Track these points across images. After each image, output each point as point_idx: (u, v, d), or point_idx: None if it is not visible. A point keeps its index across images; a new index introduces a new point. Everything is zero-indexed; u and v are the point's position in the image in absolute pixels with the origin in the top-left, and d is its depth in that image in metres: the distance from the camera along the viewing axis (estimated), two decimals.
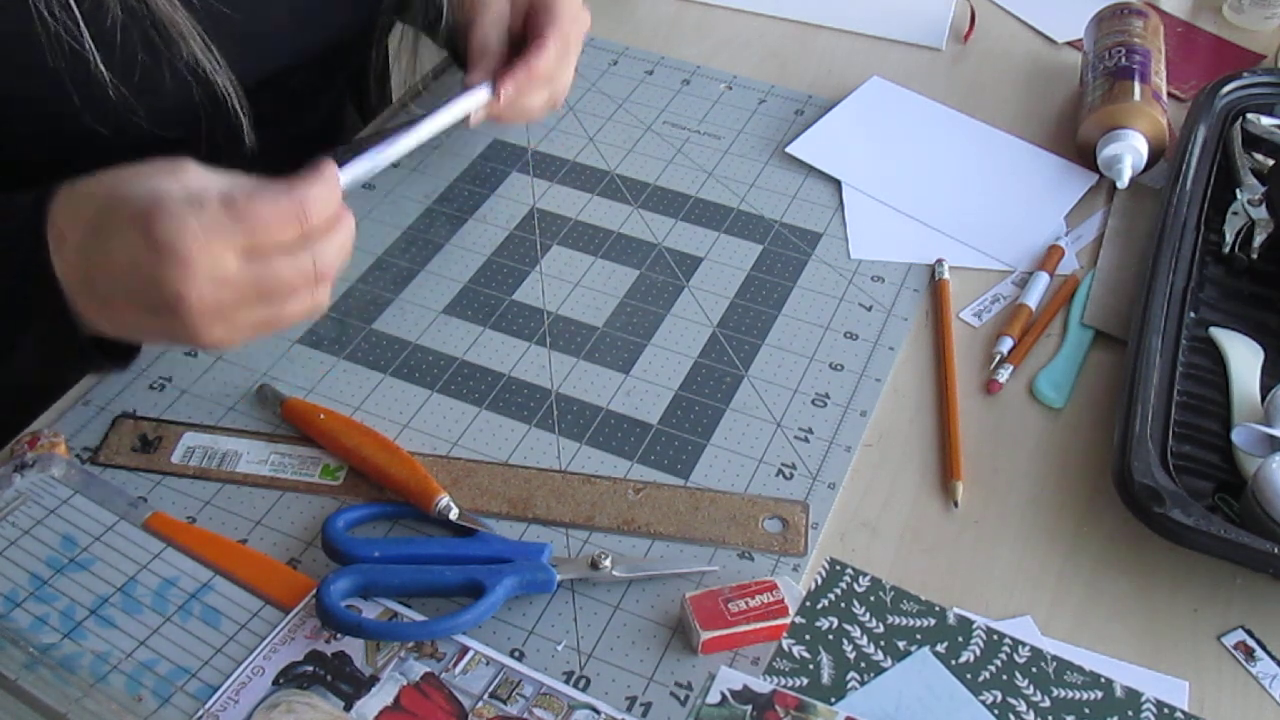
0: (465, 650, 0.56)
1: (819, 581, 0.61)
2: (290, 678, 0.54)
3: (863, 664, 0.57)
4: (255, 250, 0.53)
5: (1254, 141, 0.86)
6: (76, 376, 0.68)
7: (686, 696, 0.56)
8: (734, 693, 0.55)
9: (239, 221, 0.52)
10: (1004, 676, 0.57)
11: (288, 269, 0.54)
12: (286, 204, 0.53)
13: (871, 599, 0.60)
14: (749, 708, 0.55)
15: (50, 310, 0.55)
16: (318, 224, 0.54)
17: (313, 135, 0.92)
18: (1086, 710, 0.56)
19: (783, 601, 0.57)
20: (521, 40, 0.75)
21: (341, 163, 0.60)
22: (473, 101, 0.71)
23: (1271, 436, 0.63)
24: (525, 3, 0.76)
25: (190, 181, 0.54)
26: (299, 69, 0.78)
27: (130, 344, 0.63)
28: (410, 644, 0.56)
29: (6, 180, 0.69)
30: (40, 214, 0.55)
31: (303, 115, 0.86)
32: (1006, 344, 0.74)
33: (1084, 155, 0.88)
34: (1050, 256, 0.80)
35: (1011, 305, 0.77)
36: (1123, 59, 0.89)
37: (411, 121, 0.68)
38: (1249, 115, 0.87)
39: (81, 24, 0.61)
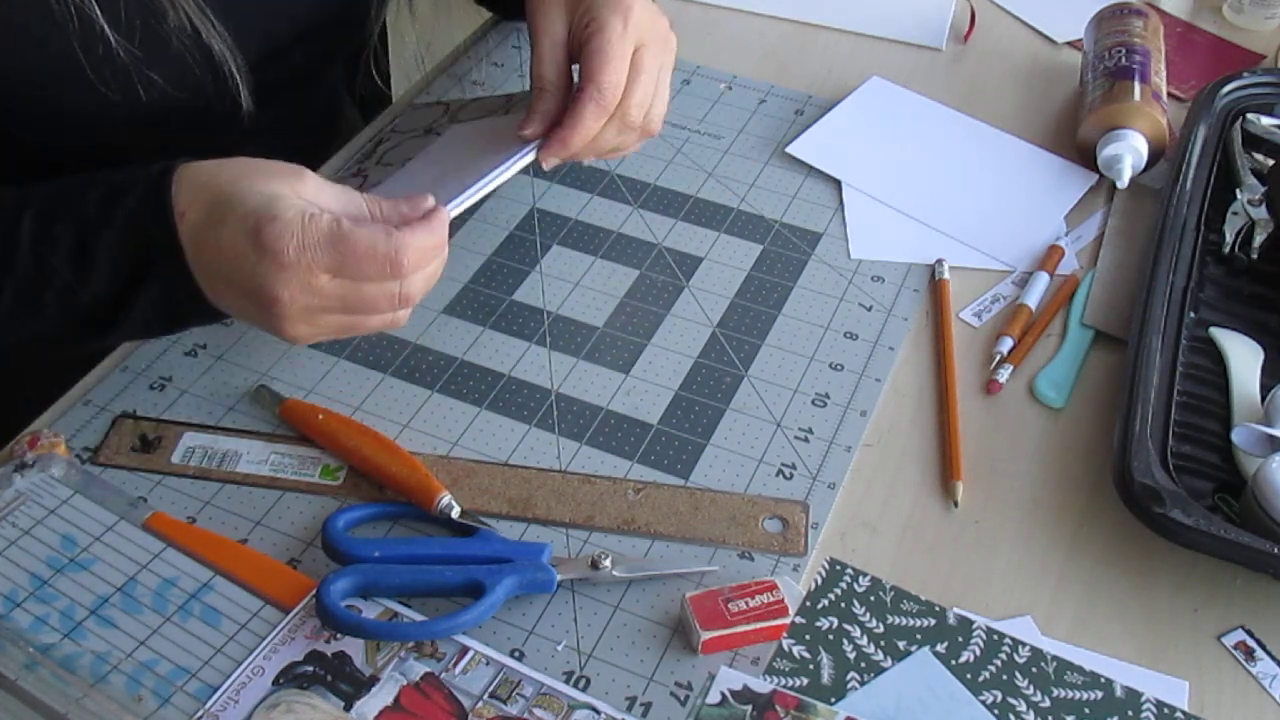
0: (465, 650, 0.56)
1: (819, 581, 0.61)
2: (290, 678, 0.54)
3: (863, 664, 0.57)
4: (346, 274, 0.58)
5: (1254, 141, 0.86)
6: (176, 331, 0.71)
7: (686, 696, 0.56)
8: (734, 693, 0.55)
9: (337, 249, 0.57)
10: (1004, 676, 0.57)
11: (374, 291, 0.59)
12: (384, 249, 0.57)
13: (871, 599, 0.60)
14: (749, 708, 0.55)
15: (171, 272, 0.60)
16: (408, 271, 0.58)
17: (313, 114, 0.93)
18: (1086, 710, 0.56)
19: (783, 601, 0.57)
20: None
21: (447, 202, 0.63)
22: (522, 162, 0.69)
23: (1271, 436, 0.63)
24: (585, 16, 0.70)
25: (306, 193, 0.59)
26: (298, 45, 0.78)
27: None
28: (410, 644, 0.56)
29: (31, 157, 0.69)
30: (165, 185, 0.59)
31: (304, 93, 0.87)
32: (1006, 344, 0.74)
33: (1084, 155, 0.88)
34: (1050, 256, 0.80)
35: (1011, 305, 0.77)
36: (1123, 59, 0.89)
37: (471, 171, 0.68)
38: (1249, 115, 0.87)
39: None
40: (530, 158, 0.69)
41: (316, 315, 0.59)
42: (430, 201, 0.61)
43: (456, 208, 0.64)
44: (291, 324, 0.59)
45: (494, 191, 0.68)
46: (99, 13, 0.64)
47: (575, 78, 0.71)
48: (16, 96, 0.67)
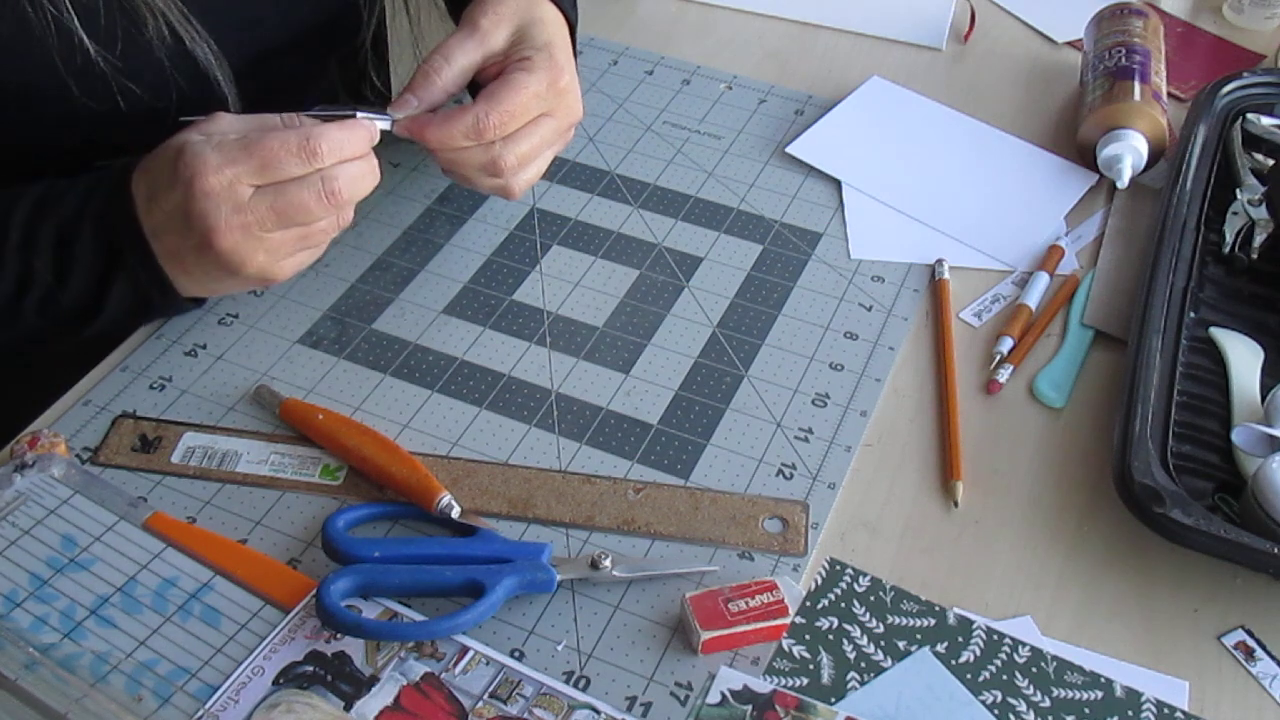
0: (465, 650, 0.56)
1: (819, 581, 0.61)
2: (290, 678, 0.54)
3: (863, 664, 0.57)
4: (267, 177, 0.59)
5: (1254, 141, 0.86)
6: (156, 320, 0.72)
7: (686, 696, 0.56)
8: (734, 693, 0.55)
9: (248, 153, 0.58)
10: (1004, 676, 0.57)
11: (299, 192, 0.60)
12: (295, 139, 0.59)
13: (871, 599, 0.60)
14: (749, 708, 0.55)
15: (137, 263, 0.62)
16: (327, 159, 0.60)
17: None
18: (1086, 710, 0.56)
19: (783, 601, 0.57)
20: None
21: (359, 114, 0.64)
22: (373, 125, 0.66)
23: (1271, 436, 0.63)
24: (521, 50, 0.70)
25: (215, 126, 0.61)
26: (288, 52, 0.78)
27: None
28: (410, 644, 0.56)
29: (16, 167, 0.69)
30: (127, 179, 0.62)
31: (297, 99, 0.87)
32: (1006, 344, 0.74)
33: (1084, 155, 0.88)
34: (1050, 256, 0.80)
35: (1011, 305, 0.77)
36: (1123, 59, 0.89)
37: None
38: (1249, 115, 0.87)
39: None
40: (385, 124, 0.66)
41: (259, 236, 0.60)
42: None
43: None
44: (242, 253, 0.60)
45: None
46: (77, 23, 0.64)
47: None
48: (13, 120, 0.67)
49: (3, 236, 0.62)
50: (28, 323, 0.64)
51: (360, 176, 0.62)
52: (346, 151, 0.61)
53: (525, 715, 0.54)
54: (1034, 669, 0.57)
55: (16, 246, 0.62)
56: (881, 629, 0.58)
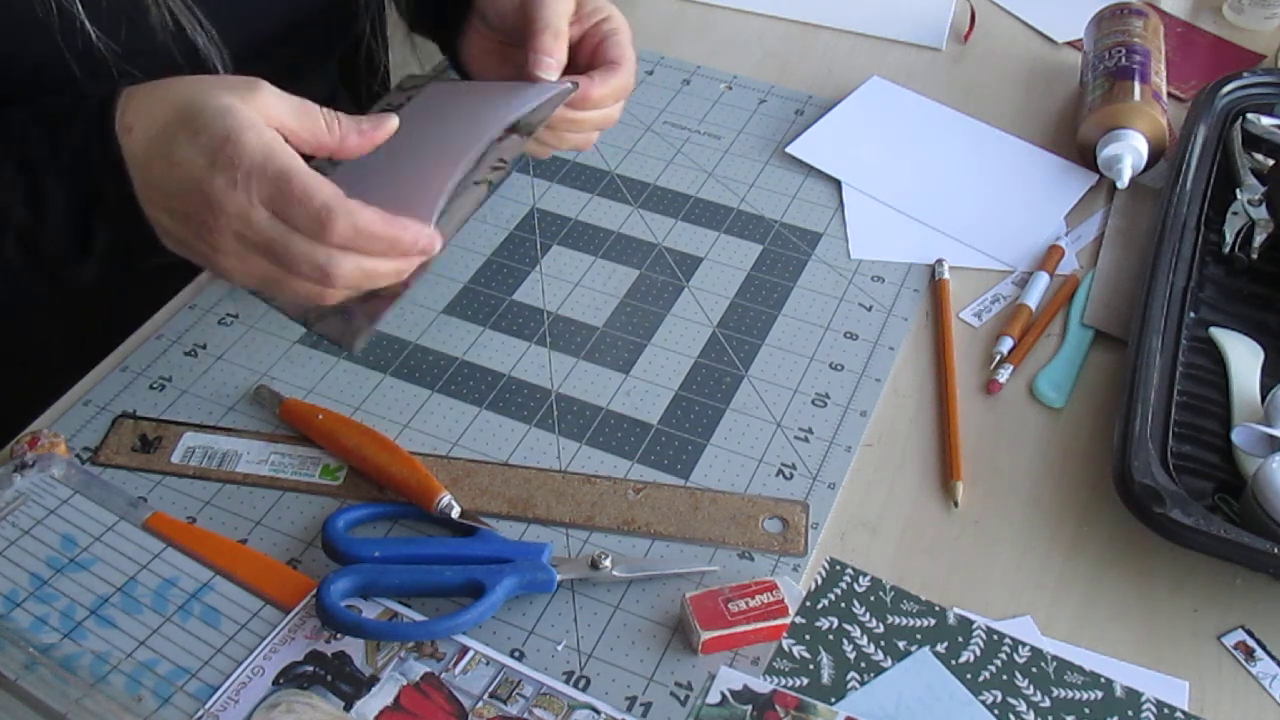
0: (465, 650, 0.56)
1: (819, 581, 0.61)
2: (290, 678, 0.54)
3: (863, 664, 0.57)
4: (279, 214, 0.56)
5: (1254, 141, 0.86)
6: (134, 277, 0.66)
7: (686, 696, 0.56)
8: (734, 693, 0.55)
9: (279, 185, 0.55)
10: (1004, 676, 0.57)
11: (299, 247, 0.56)
12: (318, 203, 0.55)
13: (871, 599, 0.60)
14: (749, 708, 0.55)
15: (118, 194, 0.58)
16: (336, 242, 0.56)
17: None
18: (1086, 710, 0.56)
19: (783, 601, 0.57)
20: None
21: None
22: (559, 97, 0.64)
23: (1271, 436, 0.63)
24: (595, 13, 0.70)
25: (262, 104, 0.58)
26: (289, 42, 0.78)
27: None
28: (410, 644, 0.56)
29: None
30: (109, 111, 0.58)
31: (295, 90, 0.87)
32: (1006, 344, 0.74)
33: (1084, 155, 0.88)
34: (1050, 256, 0.80)
35: (1011, 305, 0.77)
36: (1123, 59, 0.89)
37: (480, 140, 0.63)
38: (1249, 115, 0.87)
39: None
40: (560, 94, 0.64)
41: (246, 252, 0.57)
42: (394, 122, 0.60)
43: (439, 202, 0.60)
44: (223, 253, 0.58)
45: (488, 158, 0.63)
46: (80, 8, 0.63)
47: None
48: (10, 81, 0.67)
49: None
50: (11, 262, 0.61)
51: (370, 273, 0.58)
52: (365, 246, 0.56)
53: (525, 715, 0.54)
54: (1034, 669, 0.57)
55: None
56: (881, 629, 0.58)
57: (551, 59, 0.67)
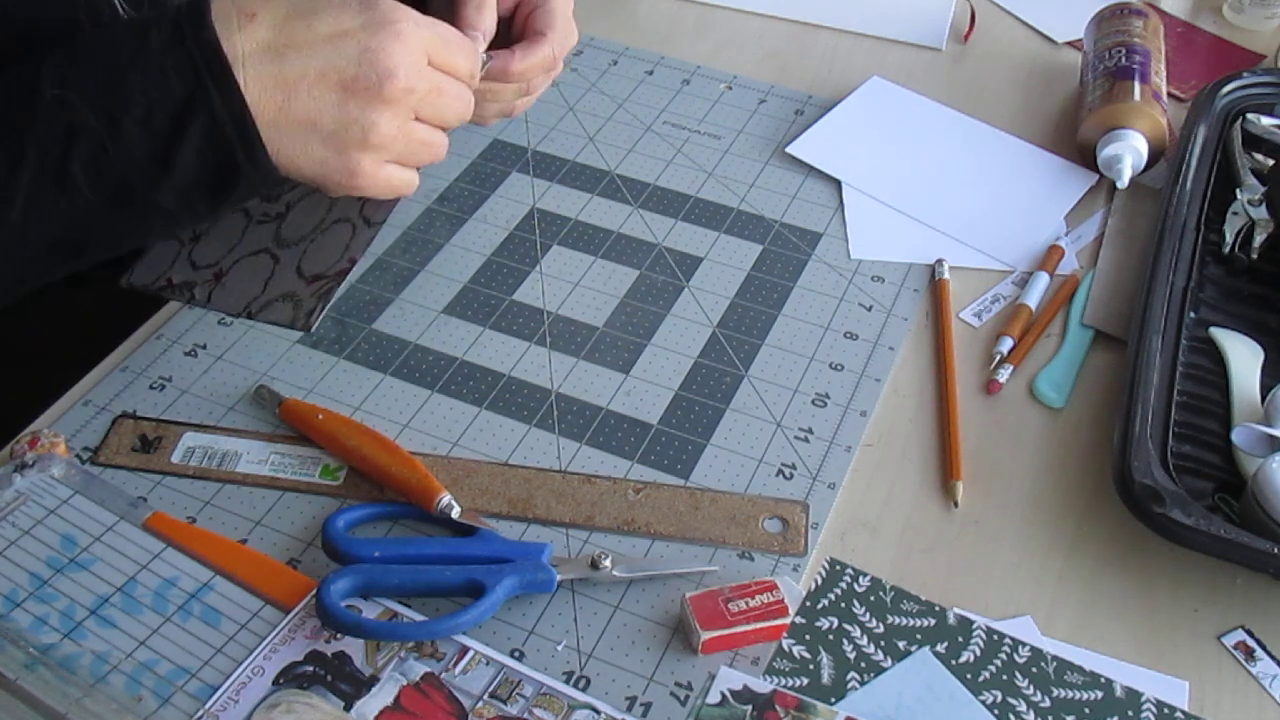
0: (465, 650, 0.56)
1: (819, 581, 0.61)
2: (290, 678, 0.54)
3: (863, 664, 0.57)
4: (437, 62, 0.58)
5: (1254, 141, 0.86)
6: (222, 203, 0.59)
7: (686, 696, 0.56)
8: (734, 693, 0.55)
9: (438, 31, 0.58)
10: (1004, 676, 0.57)
11: (452, 89, 0.59)
12: (470, 45, 0.61)
13: (871, 599, 0.60)
14: (749, 708, 0.55)
15: (219, 91, 0.53)
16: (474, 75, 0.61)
17: None
18: (1086, 710, 0.56)
19: (783, 601, 0.57)
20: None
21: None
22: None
23: (1271, 436, 0.63)
24: None
25: None
26: None
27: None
28: (410, 644, 0.56)
29: None
30: (205, 5, 0.54)
31: None
32: (1006, 344, 0.74)
33: (1084, 155, 0.88)
34: (1050, 256, 0.80)
35: (1011, 305, 0.77)
36: (1123, 59, 0.89)
37: None
38: (1249, 115, 0.87)
39: None
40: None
41: (407, 120, 0.58)
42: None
43: None
44: (389, 118, 0.56)
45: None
46: None
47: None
48: (13, 52, 0.65)
49: (35, 81, 0.52)
50: (77, 189, 0.53)
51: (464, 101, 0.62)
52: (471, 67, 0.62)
53: (525, 715, 0.54)
54: (1034, 669, 0.57)
55: (57, 87, 0.52)
56: (881, 629, 0.58)
57: (477, 31, 0.65)
